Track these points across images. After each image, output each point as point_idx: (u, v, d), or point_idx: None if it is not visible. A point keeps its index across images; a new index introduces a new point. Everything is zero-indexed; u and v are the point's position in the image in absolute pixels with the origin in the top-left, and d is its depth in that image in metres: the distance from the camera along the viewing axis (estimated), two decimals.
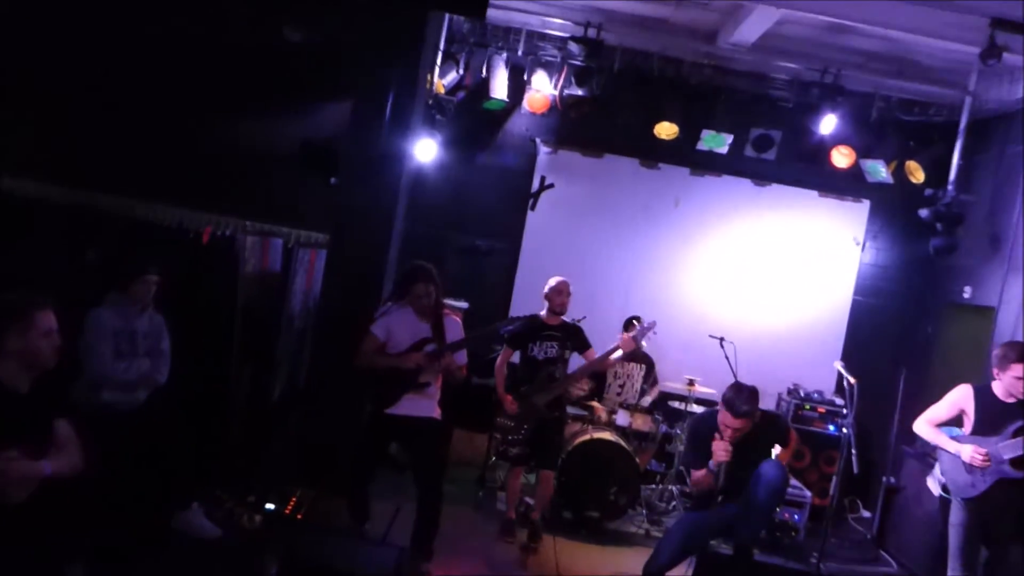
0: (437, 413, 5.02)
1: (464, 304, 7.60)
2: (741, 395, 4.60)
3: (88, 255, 5.55)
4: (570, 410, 6.79)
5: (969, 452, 4.61)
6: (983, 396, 4.69)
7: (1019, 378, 4.53)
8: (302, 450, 5.84)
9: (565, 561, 5.67)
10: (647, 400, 7.23)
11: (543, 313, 6.05)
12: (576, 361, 6.11)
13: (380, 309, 5.03)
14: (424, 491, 4.87)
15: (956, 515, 4.83)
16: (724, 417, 4.64)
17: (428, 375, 4.90)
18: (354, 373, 4.90)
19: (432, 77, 7.20)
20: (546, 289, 6.04)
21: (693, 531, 4.86)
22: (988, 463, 4.56)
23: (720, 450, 4.63)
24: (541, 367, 5.94)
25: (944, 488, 4.87)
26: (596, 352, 6.00)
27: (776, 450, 4.75)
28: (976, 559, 4.79)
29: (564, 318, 6.03)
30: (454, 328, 5.03)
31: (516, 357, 6.11)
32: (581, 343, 6.08)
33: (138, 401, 4.82)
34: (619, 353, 5.79)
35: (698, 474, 4.82)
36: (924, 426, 4.93)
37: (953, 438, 4.82)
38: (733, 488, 4.74)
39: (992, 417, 4.57)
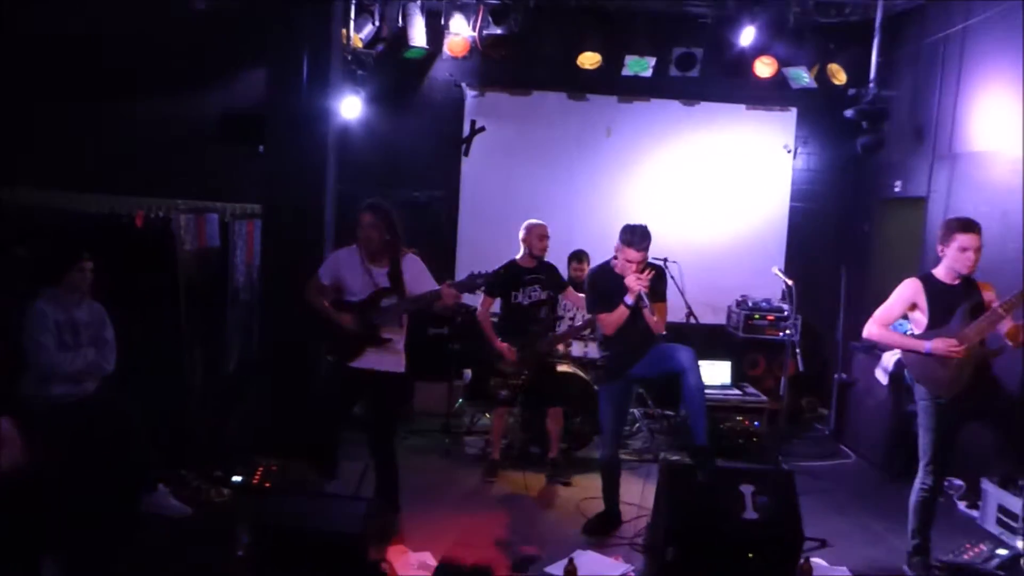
0: (401, 367, 4.82)
1: None
2: (636, 232, 4.79)
3: (17, 251, 5.44)
4: None
5: (944, 346, 4.31)
6: (931, 285, 4.48)
7: (964, 248, 4.35)
8: (262, 420, 5.86)
9: (537, 494, 5.79)
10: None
11: (519, 257, 6.04)
12: None
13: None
14: (374, 445, 4.80)
15: (930, 418, 4.46)
16: (628, 254, 4.78)
17: (389, 330, 4.69)
18: (311, 326, 4.79)
19: (348, 32, 7.10)
20: (524, 233, 6.01)
21: (617, 399, 5.09)
22: (963, 352, 4.31)
23: (634, 282, 4.73)
24: (529, 312, 5.98)
25: (923, 395, 4.48)
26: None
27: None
28: (950, 458, 4.56)
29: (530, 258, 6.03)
30: (413, 270, 4.71)
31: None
32: (559, 283, 6.12)
33: (87, 392, 4.81)
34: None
35: (614, 315, 4.84)
36: (878, 328, 4.55)
37: (912, 336, 4.55)
38: (640, 340, 4.92)
39: (943, 305, 4.43)
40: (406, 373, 4.89)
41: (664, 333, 4.94)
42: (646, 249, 4.80)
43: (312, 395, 5.02)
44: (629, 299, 4.79)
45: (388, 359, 4.75)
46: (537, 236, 5.97)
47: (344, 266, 4.73)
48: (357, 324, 4.66)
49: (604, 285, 4.94)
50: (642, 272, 4.79)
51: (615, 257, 4.94)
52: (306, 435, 5.02)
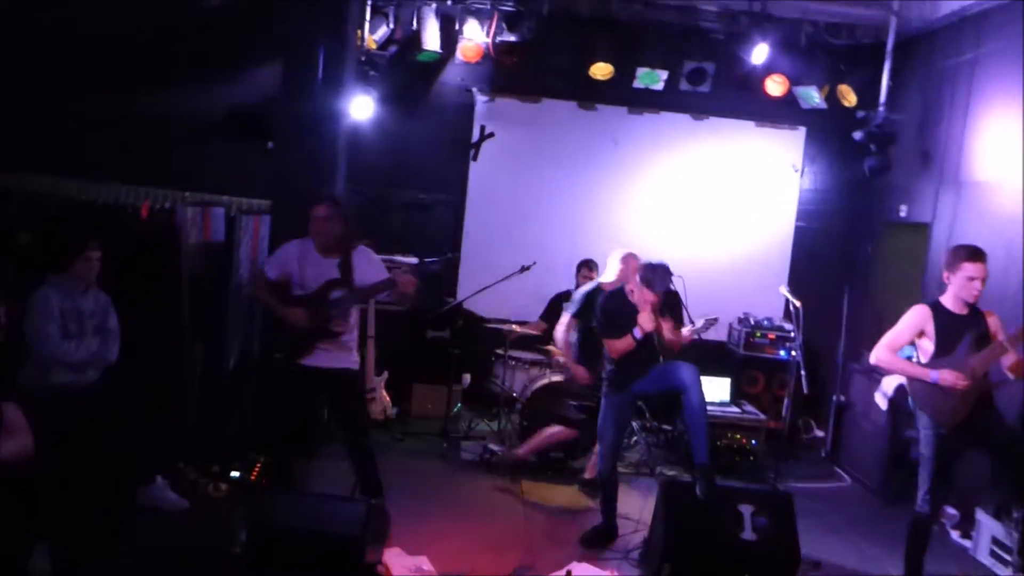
0: (354, 363, 4.78)
1: (413, 260, 7.60)
2: (657, 273, 4.82)
3: (21, 238, 5.42)
4: (527, 355, 6.91)
5: (952, 377, 4.29)
6: (939, 313, 4.45)
7: (971, 278, 4.34)
8: (262, 417, 5.84)
9: (534, 502, 5.79)
10: None
11: (607, 283, 5.84)
12: None
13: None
14: (350, 445, 4.77)
15: (931, 447, 4.43)
16: (644, 295, 4.83)
17: (339, 324, 4.62)
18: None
19: (362, 33, 7.11)
20: (621, 264, 5.78)
21: (619, 411, 5.12)
22: (970, 384, 4.29)
23: (647, 322, 4.80)
24: None
25: (924, 424, 4.48)
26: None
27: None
28: (951, 485, 4.64)
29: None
30: (364, 261, 4.66)
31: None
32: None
33: (89, 380, 4.78)
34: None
35: (622, 343, 4.91)
36: (886, 354, 4.52)
37: (919, 364, 4.51)
38: (645, 358, 4.98)
39: (950, 334, 4.42)
40: (360, 369, 4.83)
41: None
42: (665, 288, 4.85)
43: (265, 397, 4.90)
44: (638, 333, 4.84)
45: (341, 356, 4.70)
46: (634, 270, 5.72)
47: (294, 259, 4.67)
48: (306, 318, 4.59)
49: (616, 313, 4.98)
50: (657, 309, 4.84)
51: (631, 289, 4.97)
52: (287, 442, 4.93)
